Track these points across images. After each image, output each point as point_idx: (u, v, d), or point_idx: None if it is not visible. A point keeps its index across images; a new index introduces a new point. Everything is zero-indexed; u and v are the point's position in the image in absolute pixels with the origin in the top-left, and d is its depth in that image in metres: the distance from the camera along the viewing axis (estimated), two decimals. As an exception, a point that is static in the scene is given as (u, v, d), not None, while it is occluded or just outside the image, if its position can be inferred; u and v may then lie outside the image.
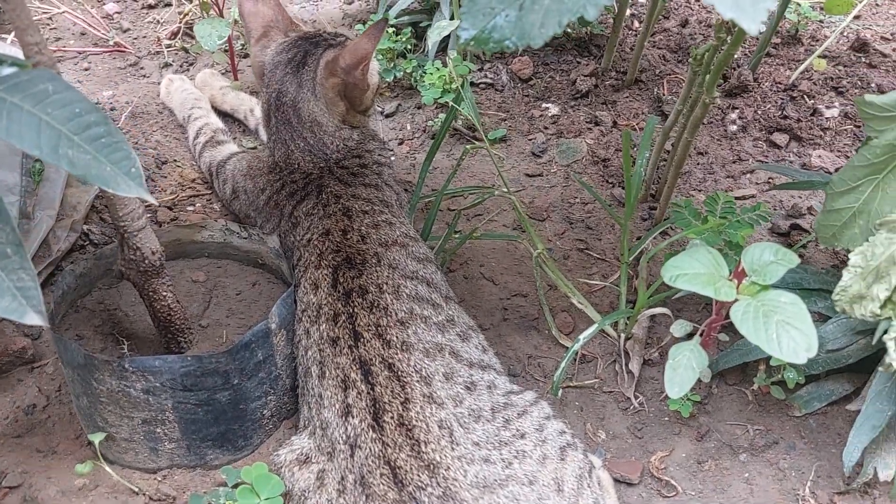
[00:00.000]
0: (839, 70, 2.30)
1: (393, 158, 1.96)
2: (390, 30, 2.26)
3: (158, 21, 2.53)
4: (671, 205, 1.70)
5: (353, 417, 1.22)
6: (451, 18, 2.16)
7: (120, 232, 1.25)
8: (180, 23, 2.45)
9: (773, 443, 1.44)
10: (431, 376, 1.27)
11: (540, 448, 1.24)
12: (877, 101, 1.22)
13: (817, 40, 2.45)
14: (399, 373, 1.26)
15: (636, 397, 1.52)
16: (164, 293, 1.34)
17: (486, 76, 2.29)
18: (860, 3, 2.51)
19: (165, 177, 1.94)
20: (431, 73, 2.14)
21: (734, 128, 2.13)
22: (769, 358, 1.44)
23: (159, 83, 2.19)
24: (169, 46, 2.40)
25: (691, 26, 2.50)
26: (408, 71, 2.24)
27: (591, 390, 1.54)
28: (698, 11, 2.58)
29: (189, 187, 1.92)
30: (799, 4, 2.40)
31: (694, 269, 1.25)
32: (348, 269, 1.41)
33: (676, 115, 1.73)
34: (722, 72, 1.55)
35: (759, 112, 2.16)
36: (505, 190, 1.70)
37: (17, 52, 1.37)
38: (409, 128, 2.17)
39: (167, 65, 2.34)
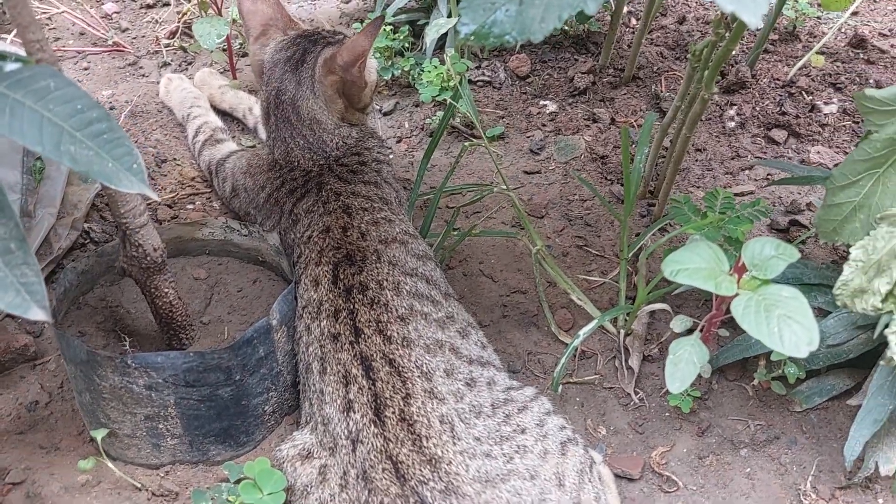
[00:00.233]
0: (837, 66, 2.30)
1: (391, 156, 1.96)
2: (388, 28, 2.27)
3: (157, 20, 2.53)
4: (670, 201, 1.71)
5: (354, 413, 1.23)
6: (449, 16, 2.17)
7: (122, 229, 1.25)
8: (179, 22, 2.46)
9: (775, 438, 1.44)
10: (432, 372, 1.28)
11: (541, 443, 1.24)
12: (877, 95, 1.23)
13: (815, 37, 2.45)
14: (400, 368, 1.26)
15: (636, 393, 1.52)
16: (166, 290, 1.35)
17: (483, 74, 2.29)
18: (857, -1, 2.52)
19: (165, 175, 1.94)
20: (429, 71, 2.14)
21: (732, 124, 2.13)
22: (769, 353, 1.44)
23: (158, 82, 2.19)
24: (167, 46, 2.40)
25: (689, 23, 2.50)
26: (405, 69, 2.24)
27: (592, 386, 1.54)
28: (695, 8, 2.58)
29: (189, 186, 1.92)
30: (796, 1, 2.41)
31: (694, 264, 1.25)
32: (348, 265, 1.41)
33: (675, 111, 1.74)
34: (720, 68, 1.55)
35: (758, 108, 2.16)
36: (504, 187, 1.70)
37: (18, 51, 1.37)
38: (407, 126, 2.17)
39: (166, 64, 2.34)
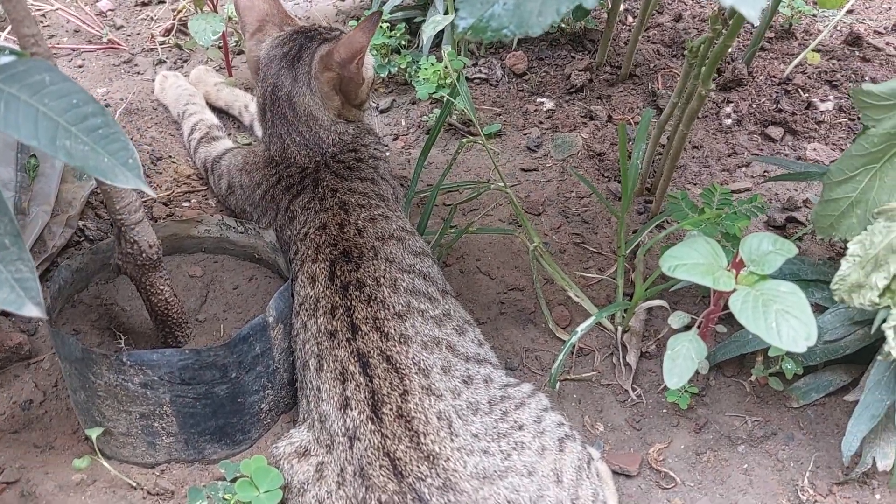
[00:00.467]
0: (833, 64, 2.31)
1: (388, 153, 1.96)
2: (384, 25, 2.26)
3: (152, 18, 2.52)
4: (667, 197, 1.70)
5: (351, 410, 1.22)
6: (445, 13, 2.16)
7: (117, 225, 1.24)
8: (174, 19, 2.45)
9: (772, 434, 1.44)
10: (430, 368, 1.27)
11: (538, 439, 1.24)
12: (874, 90, 1.22)
13: (811, 34, 2.45)
14: (397, 365, 1.26)
15: (634, 389, 1.52)
16: (162, 287, 1.34)
17: (480, 71, 2.28)
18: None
19: (161, 173, 1.93)
20: (426, 69, 2.13)
21: (729, 121, 2.13)
22: (767, 349, 1.44)
23: (153, 80, 2.18)
24: (163, 43, 2.40)
25: (685, 21, 2.50)
26: (402, 66, 2.24)
27: (589, 383, 1.54)
28: (692, 6, 2.58)
29: (184, 183, 1.91)
30: (792, -2, 2.41)
31: (692, 259, 1.25)
32: (345, 262, 1.40)
33: (672, 107, 1.74)
34: (717, 65, 1.55)
35: (754, 106, 2.16)
36: (501, 184, 1.69)
37: (12, 47, 1.36)
38: (403, 123, 2.17)
39: (161, 61, 2.33)
